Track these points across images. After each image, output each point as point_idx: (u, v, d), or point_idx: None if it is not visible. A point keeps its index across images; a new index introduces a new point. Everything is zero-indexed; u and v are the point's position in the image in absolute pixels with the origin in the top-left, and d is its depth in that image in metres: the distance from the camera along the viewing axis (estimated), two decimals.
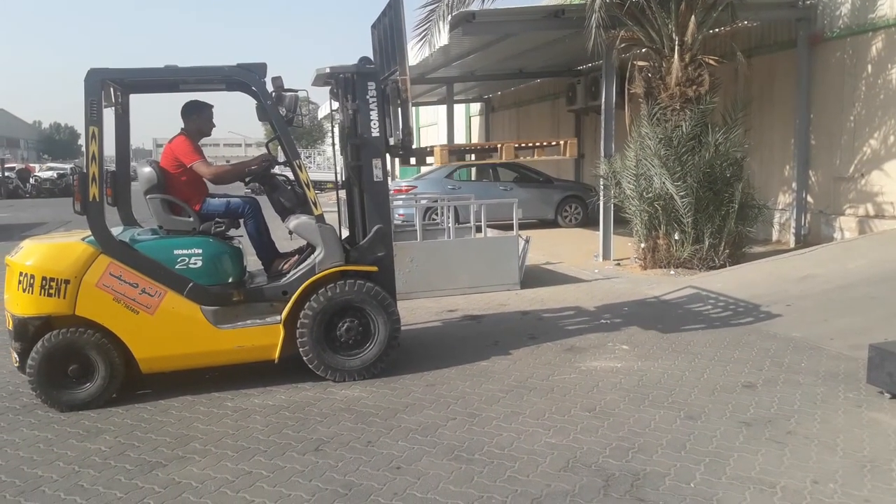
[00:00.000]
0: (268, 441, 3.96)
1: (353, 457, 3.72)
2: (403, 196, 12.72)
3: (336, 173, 5.64)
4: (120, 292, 4.57)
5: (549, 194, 14.80)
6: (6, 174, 32.13)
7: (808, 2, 10.26)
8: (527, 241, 8.88)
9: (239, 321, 4.82)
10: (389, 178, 5.66)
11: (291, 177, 5.25)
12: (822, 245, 9.51)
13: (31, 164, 41.98)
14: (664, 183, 8.51)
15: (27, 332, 4.51)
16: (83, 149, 4.73)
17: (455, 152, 5.70)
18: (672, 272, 8.78)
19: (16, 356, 4.64)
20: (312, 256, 4.97)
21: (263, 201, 5.42)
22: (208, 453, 3.82)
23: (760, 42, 11.49)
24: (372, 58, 5.43)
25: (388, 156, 5.41)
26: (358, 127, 5.08)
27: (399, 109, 5.17)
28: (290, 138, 5.00)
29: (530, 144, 5.53)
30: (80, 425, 4.28)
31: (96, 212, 4.61)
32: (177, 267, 4.76)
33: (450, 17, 9.44)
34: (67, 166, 36.82)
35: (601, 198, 10.25)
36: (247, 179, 5.49)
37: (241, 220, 5.27)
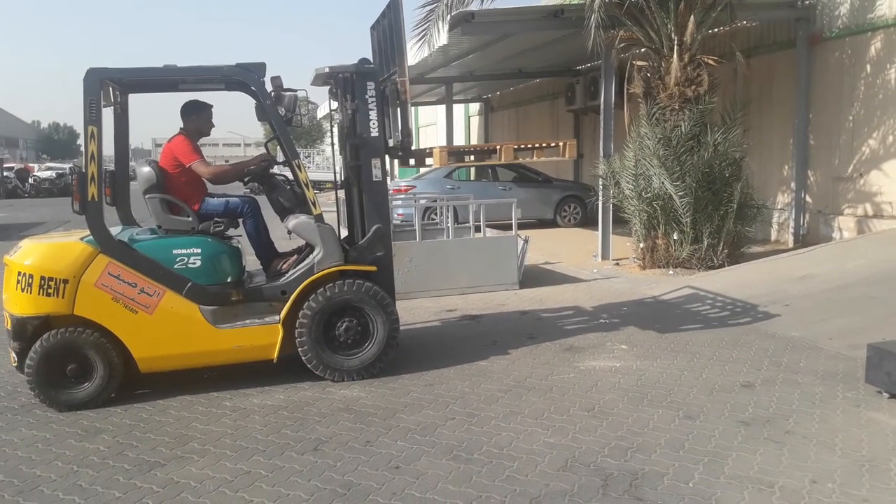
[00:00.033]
0: (266, 441, 3.96)
1: (351, 456, 3.72)
2: (402, 196, 12.72)
3: (335, 173, 5.64)
4: (119, 292, 4.57)
5: (548, 194, 14.81)
6: (5, 174, 32.13)
7: (807, 2, 10.27)
8: (526, 241, 8.89)
9: (238, 321, 4.82)
10: (388, 178, 5.66)
11: (290, 176, 5.25)
12: (821, 245, 9.51)
13: (30, 164, 41.95)
14: (663, 183, 8.52)
15: (26, 331, 4.51)
16: (82, 148, 4.73)
17: (454, 154, 5.70)
18: (671, 272, 8.79)
19: (14, 356, 4.64)
20: (311, 256, 4.97)
21: (262, 201, 5.42)
22: (207, 453, 3.82)
23: (759, 42, 11.50)
24: (371, 59, 5.43)
25: (387, 156, 5.41)
26: (357, 127, 5.08)
27: (398, 111, 5.17)
28: (289, 138, 5.00)
29: (529, 146, 5.53)
30: (78, 425, 4.28)
31: (95, 211, 4.60)
32: (175, 266, 4.76)
33: (449, 16, 9.44)
34: (66, 166, 36.80)
35: (600, 198, 10.25)
36: (246, 179, 5.49)
37: (240, 220, 5.27)
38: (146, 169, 5.06)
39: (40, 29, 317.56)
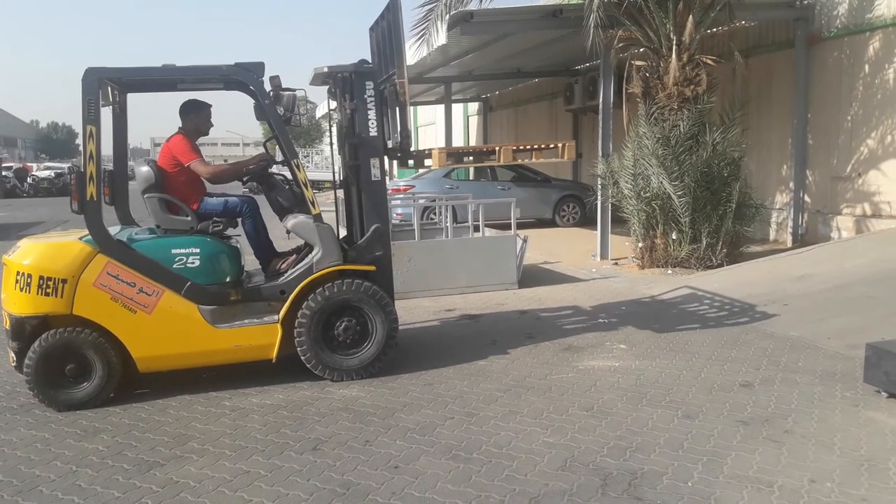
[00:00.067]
0: (266, 440, 3.96)
1: (350, 456, 3.72)
2: (401, 195, 12.72)
3: (334, 173, 5.64)
4: (117, 291, 4.56)
5: (547, 194, 14.81)
6: (4, 173, 32.06)
7: (806, 2, 10.28)
8: (524, 241, 8.89)
9: (236, 320, 4.82)
10: (387, 178, 5.65)
11: (289, 176, 5.25)
12: (820, 244, 9.52)
13: (29, 164, 41.91)
14: (662, 182, 8.52)
15: (24, 331, 4.51)
16: (81, 148, 4.73)
17: (453, 155, 5.70)
18: (669, 271, 8.79)
19: (13, 355, 4.63)
20: (310, 256, 4.97)
21: (261, 200, 5.42)
22: (206, 453, 3.82)
23: (758, 42, 11.51)
24: (370, 60, 5.43)
25: (386, 157, 5.40)
26: (356, 126, 5.08)
27: (397, 112, 5.17)
28: (288, 138, 4.99)
29: (528, 147, 5.53)
30: (77, 425, 4.28)
31: (94, 211, 4.60)
32: (174, 266, 4.76)
33: (448, 16, 9.43)
34: (65, 165, 36.78)
35: (599, 197, 10.26)
36: (245, 179, 5.49)
37: (239, 220, 5.27)
38: (145, 168, 5.05)
39: (40, 29, 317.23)
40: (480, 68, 16.03)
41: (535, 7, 11.64)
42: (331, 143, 5.54)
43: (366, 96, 5.04)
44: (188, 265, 4.79)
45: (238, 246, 5.20)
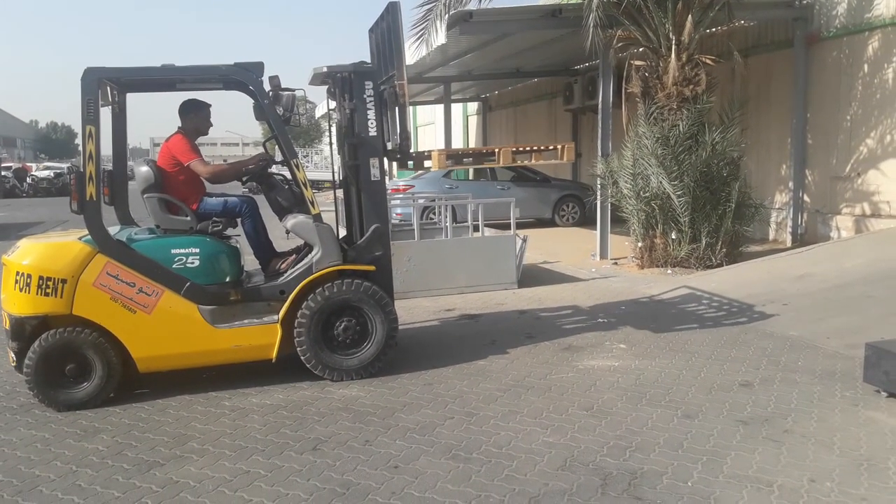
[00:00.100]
0: (266, 440, 3.96)
1: (350, 456, 3.72)
2: (401, 195, 12.72)
3: (333, 173, 5.64)
4: (117, 292, 4.56)
5: (547, 193, 14.82)
6: (3, 173, 32.04)
7: (805, 1, 10.28)
8: (524, 241, 8.89)
9: (236, 320, 4.82)
10: (387, 178, 5.65)
11: (289, 176, 5.25)
12: (819, 244, 9.53)
13: (28, 164, 41.89)
14: (661, 182, 8.53)
15: (24, 331, 4.51)
16: (80, 148, 4.72)
17: (453, 157, 5.70)
18: (669, 271, 8.80)
19: (13, 356, 4.63)
20: (310, 256, 4.97)
21: (261, 200, 5.42)
22: (206, 453, 3.82)
23: (757, 41, 11.51)
24: (370, 62, 5.42)
25: (385, 158, 5.40)
26: (355, 126, 5.08)
27: (397, 113, 5.17)
28: (288, 137, 4.99)
29: (528, 148, 5.53)
30: (77, 425, 4.28)
31: (93, 211, 4.60)
32: (174, 266, 4.76)
33: (447, 16, 9.44)
34: (64, 165, 36.75)
35: (598, 197, 10.26)
36: (244, 179, 5.49)
37: (239, 220, 5.27)
38: (144, 168, 5.05)
39: (40, 29, 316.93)
40: (480, 68, 16.03)
41: (535, 7, 11.64)
42: (330, 143, 5.54)
43: (365, 96, 5.04)
44: (188, 265, 4.79)
45: (238, 246, 5.20)
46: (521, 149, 5.57)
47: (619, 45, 9.47)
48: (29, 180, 32.26)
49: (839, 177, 10.11)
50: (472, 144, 24.78)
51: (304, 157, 49.14)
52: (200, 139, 5.41)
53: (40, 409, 4.52)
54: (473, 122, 24.69)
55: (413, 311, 7.12)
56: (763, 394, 4.48)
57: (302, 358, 4.86)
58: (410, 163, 5.42)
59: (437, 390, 4.72)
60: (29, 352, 4.46)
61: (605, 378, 4.88)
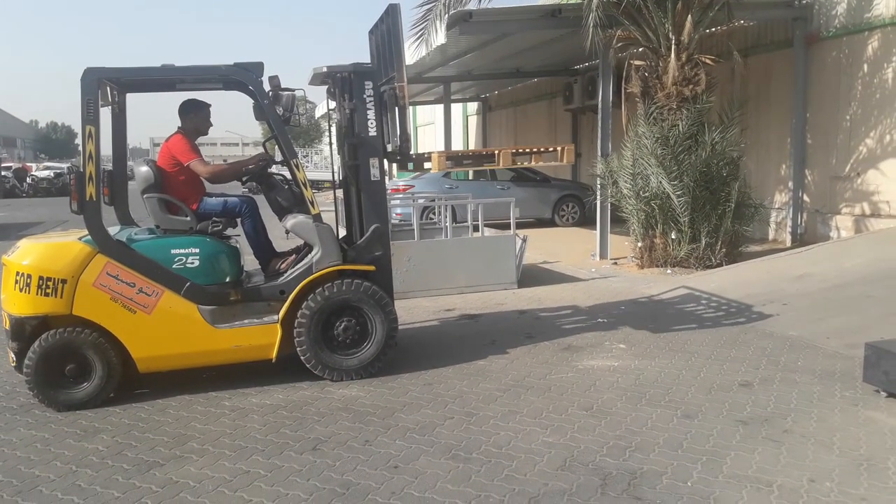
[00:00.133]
0: (265, 440, 3.96)
1: (350, 456, 3.72)
2: (401, 195, 12.73)
3: (333, 173, 5.64)
4: (117, 292, 4.56)
5: (547, 193, 14.82)
6: (3, 173, 32.04)
7: (805, 1, 10.28)
8: (524, 241, 8.90)
9: (236, 321, 4.82)
10: (387, 178, 5.65)
11: (289, 176, 5.25)
12: (819, 244, 9.53)
13: (28, 164, 41.88)
14: (661, 182, 8.53)
15: (24, 331, 4.51)
16: (80, 148, 4.73)
17: (452, 159, 5.71)
18: (669, 271, 8.80)
19: (13, 356, 4.63)
20: (310, 256, 4.97)
21: (261, 200, 5.42)
22: (206, 453, 3.82)
23: (757, 41, 11.51)
24: (370, 63, 5.42)
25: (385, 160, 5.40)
26: (355, 126, 5.08)
27: (396, 115, 5.17)
28: (287, 137, 4.99)
29: (528, 150, 5.54)
30: (77, 425, 4.28)
31: (93, 211, 4.60)
32: (174, 266, 4.76)
33: (446, 16, 9.45)
34: (64, 165, 36.74)
35: (598, 197, 10.26)
36: (244, 179, 5.49)
37: (239, 220, 5.27)
38: (144, 168, 5.05)
39: (40, 29, 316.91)
40: (479, 68, 16.03)
41: (534, 7, 11.64)
42: (330, 143, 5.54)
43: (365, 96, 5.04)
44: (188, 265, 4.79)
45: (237, 246, 5.20)
46: (521, 150, 5.57)
47: (619, 45, 9.47)
48: (29, 180, 32.26)
49: (839, 177, 10.12)
50: (471, 144, 24.80)
51: (304, 157, 49.16)
52: (200, 139, 5.41)
53: (40, 410, 4.53)
54: (473, 122, 24.69)
55: (413, 311, 7.12)
56: (763, 394, 4.49)
57: (302, 358, 4.86)
58: (410, 164, 5.42)
59: (437, 390, 4.72)
60: (29, 352, 4.46)
61: (604, 378, 4.88)
